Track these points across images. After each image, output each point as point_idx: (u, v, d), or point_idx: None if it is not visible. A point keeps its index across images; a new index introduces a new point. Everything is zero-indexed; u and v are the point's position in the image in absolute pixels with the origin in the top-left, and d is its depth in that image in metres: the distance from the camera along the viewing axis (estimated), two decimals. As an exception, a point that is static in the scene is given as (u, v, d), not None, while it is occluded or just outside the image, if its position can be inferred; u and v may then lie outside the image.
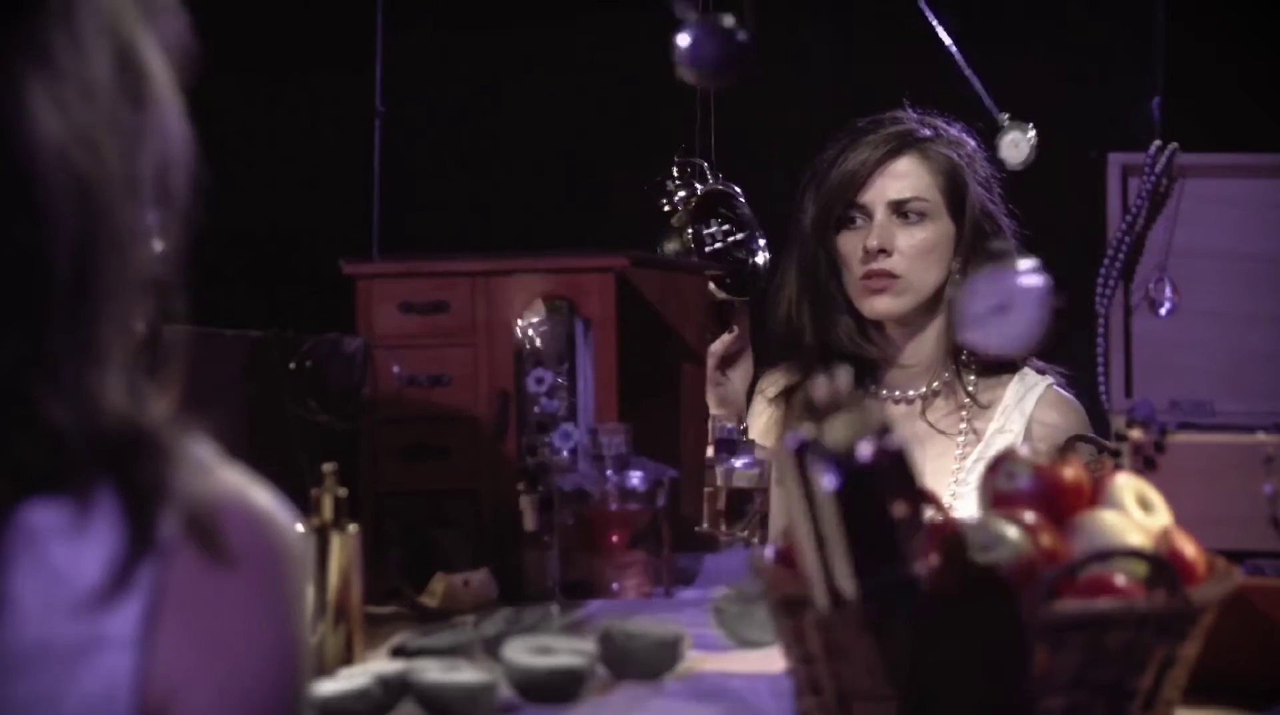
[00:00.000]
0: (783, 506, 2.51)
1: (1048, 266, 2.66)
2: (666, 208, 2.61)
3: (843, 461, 1.16)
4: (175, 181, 1.00)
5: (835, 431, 1.17)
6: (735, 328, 2.53)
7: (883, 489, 1.16)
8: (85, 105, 0.95)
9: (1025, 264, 1.50)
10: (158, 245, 0.99)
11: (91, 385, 0.94)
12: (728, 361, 2.54)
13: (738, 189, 2.68)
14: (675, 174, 2.60)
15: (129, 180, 0.96)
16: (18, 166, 0.93)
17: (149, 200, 0.98)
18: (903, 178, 2.60)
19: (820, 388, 1.21)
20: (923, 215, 2.59)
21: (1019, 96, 3.37)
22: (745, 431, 2.49)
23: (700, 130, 2.66)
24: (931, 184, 2.60)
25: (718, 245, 2.60)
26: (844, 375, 1.22)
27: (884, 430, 1.18)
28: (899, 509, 1.16)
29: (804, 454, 1.17)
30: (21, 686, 0.90)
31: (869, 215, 2.60)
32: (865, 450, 1.16)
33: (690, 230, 2.57)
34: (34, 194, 0.93)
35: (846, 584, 1.15)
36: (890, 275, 2.58)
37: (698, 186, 2.62)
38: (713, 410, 2.50)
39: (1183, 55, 3.28)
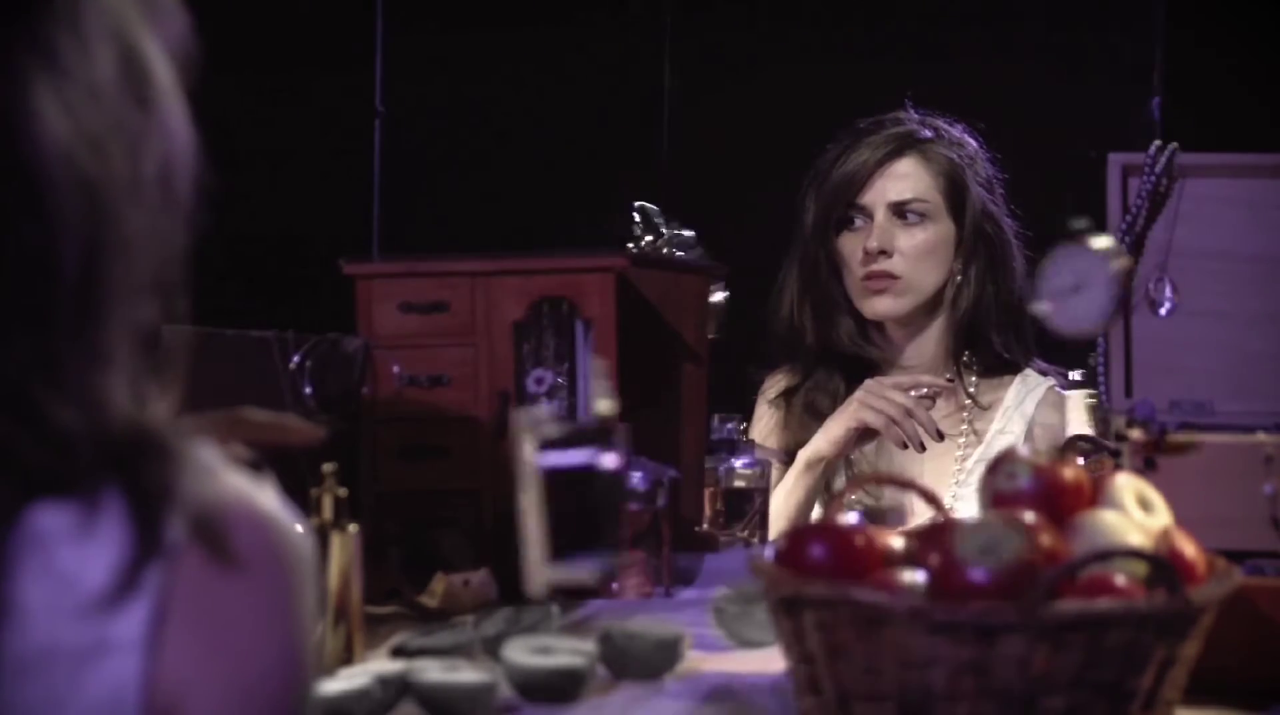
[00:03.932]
0: (783, 507, 2.51)
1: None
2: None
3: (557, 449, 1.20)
4: (179, 183, 1.00)
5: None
6: None
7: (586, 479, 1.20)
8: (91, 106, 0.95)
9: (1103, 243, 1.49)
10: (162, 247, 0.99)
11: (98, 388, 0.94)
12: None
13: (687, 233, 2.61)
14: (636, 219, 2.57)
15: (134, 182, 0.96)
16: (25, 168, 0.93)
17: (154, 202, 0.98)
18: (903, 179, 2.60)
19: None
20: (923, 216, 2.59)
21: (1020, 96, 3.38)
22: (745, 431, 2.49)
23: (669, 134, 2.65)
24: (932, 185, 2.60)
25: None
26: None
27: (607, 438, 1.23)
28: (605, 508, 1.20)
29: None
30: (28, 690, 0.90)
31: (869, 216, 2.60)
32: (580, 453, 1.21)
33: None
34: (41, 195, 0.93)
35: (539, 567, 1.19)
36: (890, 276, 2.58)
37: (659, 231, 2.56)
38: None
39: (1183, 55, 3.29)
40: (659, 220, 2.40)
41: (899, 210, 2.59)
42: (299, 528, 0.98)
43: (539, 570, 1.23)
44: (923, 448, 2.46)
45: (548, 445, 1.25)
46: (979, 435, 2.61)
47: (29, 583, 0.90)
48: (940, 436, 2.46)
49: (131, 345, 0.96)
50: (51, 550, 0.91)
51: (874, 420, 2.45)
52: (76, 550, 0.91)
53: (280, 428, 1.38)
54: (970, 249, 2.61)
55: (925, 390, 2.49)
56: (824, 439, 2.51)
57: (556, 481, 1.29)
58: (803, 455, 2.52)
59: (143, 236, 0.97)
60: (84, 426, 0.93)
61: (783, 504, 2.49)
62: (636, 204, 2.44)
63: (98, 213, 0.94)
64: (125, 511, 0.92)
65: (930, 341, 2.64)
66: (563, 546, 1.29)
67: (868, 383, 2.49)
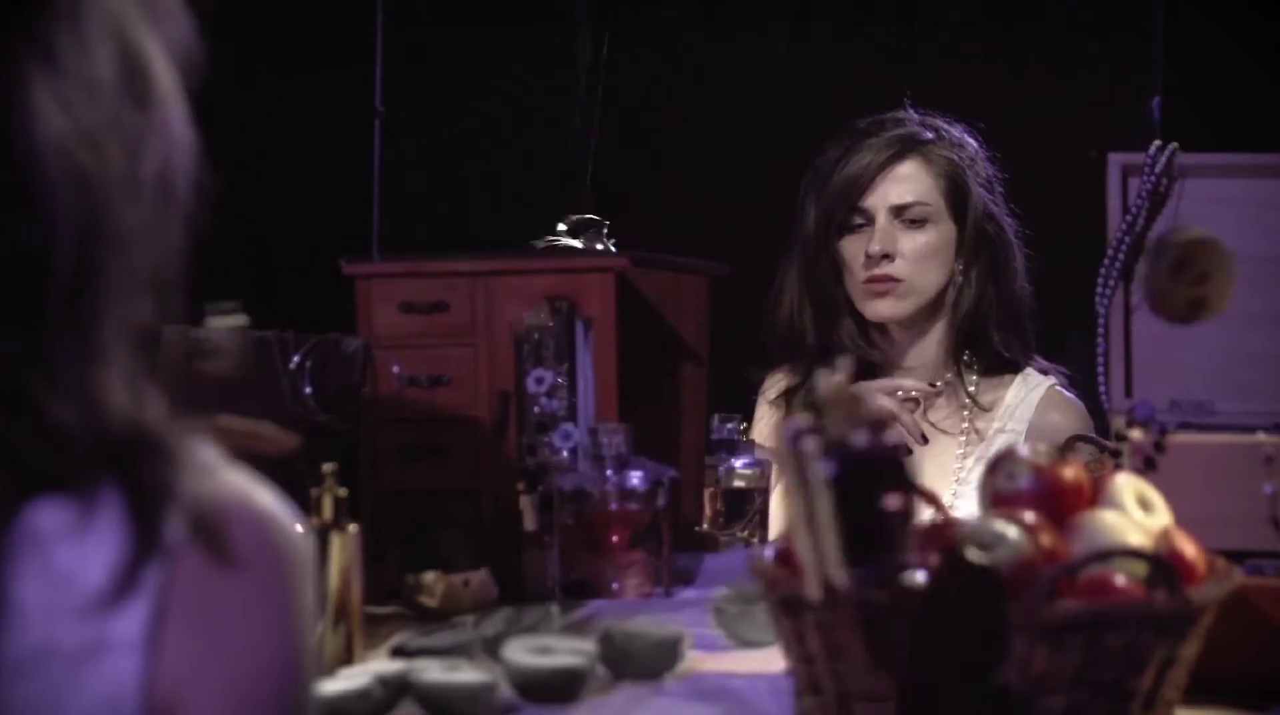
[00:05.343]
0: (782, 506, 2.51)
1: (1048, 266, 2.67)
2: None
3: (840, 450, 1.17)
4: (178, 183, 1.00)
5: (834, 422, 1.18)
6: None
7: (877, 480, 1.17)
8: (89, 104, 0.95)
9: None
10: (160, 246, 0.99)
11: (93, 384, 0.94)
12: None
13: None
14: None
15: (132, 180, 0.97)
16: (20, 163, 0.93)
17: (152, 201, 0.98)
18: (904, 181, 2.60)
19: (824, 380, 1.22)
20: (925, 220, 2.59)
21: (1020, 96, 3.38)
22: (745, 431, 2.49)
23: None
24: (933, 187, 2.60)
25: None
26: (845, 365, 1.24)
27: (880, 423, 1.19)
28: (893, 501, 1.17)
29: (801, 443, 1.18)
30: (25, 690, 0.90)
31: (871, 219, 2.60)
32: (861, 440, 1.17)
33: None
34: (36, 191, 0.93)
35: (838, 573, 1.16)
36: (892, 279, 2.58)
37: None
38: None
39: (1183, 55, 3.29)
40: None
41: (901, 213, 2.59)
42: (298, 526, 0.98)
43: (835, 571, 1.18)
44: (909, 452, 2.46)
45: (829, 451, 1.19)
46: (980, 434, 2.62)
47: (26, 582, 0.90)
48: (925, 440, 2.47)
49: (128, 343, 0.96)
50: (49, 549, 0.90)
51: None
52: (74, 549, 0.91)
53: (254, 436, 1.38)
54: (972, 250, 2.61)
55: (913, 393, 2.50)
56: None
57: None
58: None
59: (139, 234, 0.97)
60: (81, 423, 0.92)
61: (777, 510, 2.49)
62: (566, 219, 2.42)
63: (93, 208, 0.94)
64: (124, 510, 0.92)
65: (932, 342, 2.64)
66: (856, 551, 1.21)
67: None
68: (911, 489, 1.20)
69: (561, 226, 2.42)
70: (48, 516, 0.91)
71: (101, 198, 0.95)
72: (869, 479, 1.17)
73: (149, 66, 0.99)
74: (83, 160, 0.94)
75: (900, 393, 2.48)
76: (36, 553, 0.90)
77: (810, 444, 1.17)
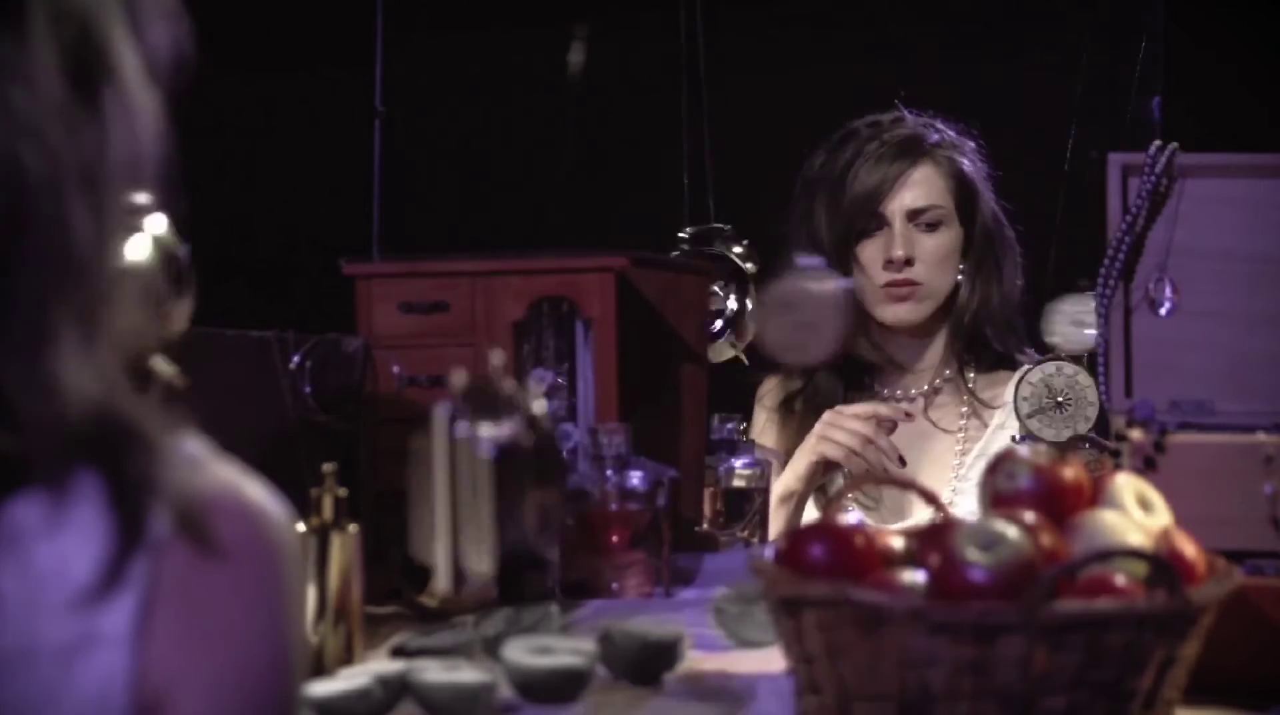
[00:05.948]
0: (783, 509, 2.52)
1: (1048, 266, 2.67)
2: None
3: (499, 435, 1.19)
4: (144, 176, 0.99)
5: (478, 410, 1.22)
6: None
7: (533, 466, 1.19)
8: (24, 92, 0.94)
9: (818, 272, 1.51)
10: (124, 235, 0.98)
11: (48, 370, 0.92)
12: None
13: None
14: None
15: (80, 167, 0.95)
16: None
17: (104, 187, 0.97)
18: (919, 186, 2.61)
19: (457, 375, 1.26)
20: (939, 223, 2.60)
21: (1020, 96, 3.38)
22: (745, 431, 2.49)
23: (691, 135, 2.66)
24: (944, 189, 2.61)
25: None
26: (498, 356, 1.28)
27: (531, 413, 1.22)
28: (542, 491, 1.19)
29: (458, 426, 1.20)
30: (16, 687, 0.90)
31: (884, 224, 2.60)
32: (516, 427, 1.19)
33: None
34: None
35: (483, 559, 1.17)
36: (912, 283, 2.59)
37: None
38: None
39: (1183, 55, 3.29)
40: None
41: (916, 217, 2.60)
42: (286, 517, 0.98)
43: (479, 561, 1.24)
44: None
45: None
46: (979, 431, 2.62)
47: (6, 580, 0.90)
48: (903, 462, 2.47)
49: (86, 330, 0.95)
50: (28, 546, 0.90)
51: (834, 453, 2.47)
52: (54, 544, 0.90)
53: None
54: (981, 250, 2.62)
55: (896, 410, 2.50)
56: (791, 474, 2.53)
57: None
58: (775, 491, 2.53)
59: (87, 221, 0.96)
60: (45, 410, 0.92)
61: (776, 510, 2.50)
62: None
63: (19, 189, 0.93)
64: (105, 502, 0.91)
65: (939, 343, 2.65)
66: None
67: (826, 415, 2.50)
68: (563, 479, 1.25)
69: (685, 233, 2.46)
70: (24, 512, 0.90)
71: (29, 179, 0.93)
72: (525, 464, 1.19)
73: (109, 59, 0.98)
74: (17, 149, 0.93)
75: (876, 418, 2.48)
76: (15, 550, 0.90)
77: (468, 428, 1.19)
